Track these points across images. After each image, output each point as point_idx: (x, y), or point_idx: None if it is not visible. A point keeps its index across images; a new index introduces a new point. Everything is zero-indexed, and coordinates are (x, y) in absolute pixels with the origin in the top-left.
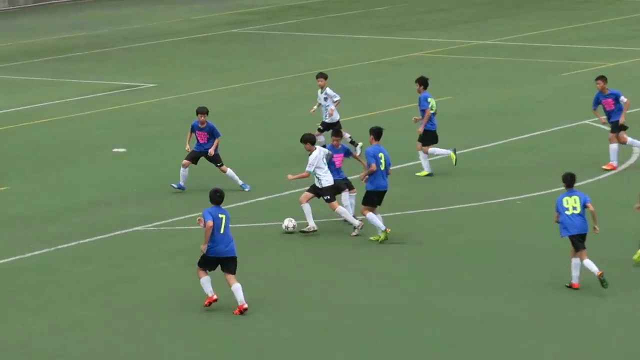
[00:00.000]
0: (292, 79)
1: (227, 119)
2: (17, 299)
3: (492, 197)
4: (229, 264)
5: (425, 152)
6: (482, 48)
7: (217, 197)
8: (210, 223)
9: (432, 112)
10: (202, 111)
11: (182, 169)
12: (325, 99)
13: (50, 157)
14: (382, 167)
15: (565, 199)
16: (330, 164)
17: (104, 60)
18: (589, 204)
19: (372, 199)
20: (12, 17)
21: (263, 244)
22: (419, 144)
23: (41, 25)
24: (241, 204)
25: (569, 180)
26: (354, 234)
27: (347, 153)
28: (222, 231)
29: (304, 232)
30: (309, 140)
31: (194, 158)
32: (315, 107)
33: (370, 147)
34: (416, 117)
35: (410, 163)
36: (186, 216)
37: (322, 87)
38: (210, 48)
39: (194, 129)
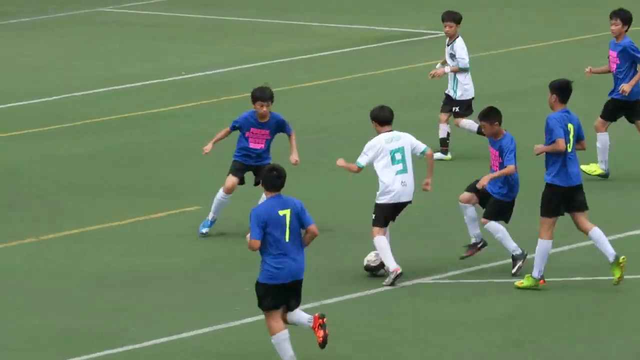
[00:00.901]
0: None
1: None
2: None
3: None
4: (293, 295)
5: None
6: None
7: (274, 180)
8: (255, 244)
9: None
10: (266, 96)
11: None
12: (452, 56)
13: (274, 158)
14: (569, 148)
15: (570, 126)
16: None
17: None
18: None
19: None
20: None
21: None
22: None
23: None
24: None
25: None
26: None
27: None
28: (287, 238)
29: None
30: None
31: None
32: (440, 66)
33: (554, 114)
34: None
35: None
36: (503, 261)
37: (451, 37)
38: None
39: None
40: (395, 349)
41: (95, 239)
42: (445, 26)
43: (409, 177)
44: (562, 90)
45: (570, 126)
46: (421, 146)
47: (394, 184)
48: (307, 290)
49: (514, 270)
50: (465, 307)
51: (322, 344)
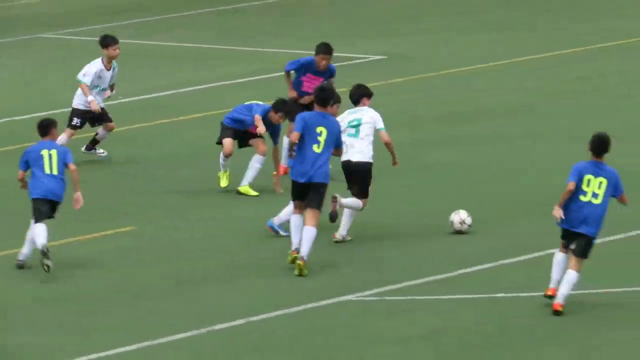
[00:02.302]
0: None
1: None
2: None
3: None
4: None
5: None
6: None
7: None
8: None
9: None
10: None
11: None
12: None
13: (209, 179)
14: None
15: (588, 177)
16: None
17: (301, 15)
18: (622, 196)
19: None
20: None
21: None
22: None
23: None
24: None
25: (598, 145)
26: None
27: None
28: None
29: None
30: None
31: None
32: None
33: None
34: None
35: None
36: (428, 278)
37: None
38: None
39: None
40: None
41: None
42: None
43: None
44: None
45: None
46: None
47: None
48: (234, 307)
49: None
50: (395, 324)
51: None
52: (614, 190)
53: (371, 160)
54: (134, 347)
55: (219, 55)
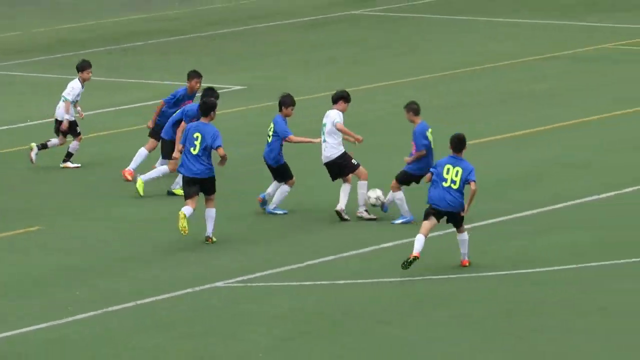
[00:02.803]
0: (439, 78)
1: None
2: None
3: None
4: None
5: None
6: None
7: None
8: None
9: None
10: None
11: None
12: None
13: (103, 186)
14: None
15: (447, 166)
16: None
17: (175, 53)
18: (472, 183)
19: None
20: None
21: None
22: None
23: (88, 3)
24: None
25: (457, 143)
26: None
27: None
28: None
29: None
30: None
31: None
32: None
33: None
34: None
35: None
36: (285, 267)
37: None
38: (324, 37)
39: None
40: (204, 341)
41: None
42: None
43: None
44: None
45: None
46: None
47: None
48: (123, 293)
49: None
50: (258, 306)
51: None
52: (467, 177)
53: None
54: (43, 325)
55: (109, 86)
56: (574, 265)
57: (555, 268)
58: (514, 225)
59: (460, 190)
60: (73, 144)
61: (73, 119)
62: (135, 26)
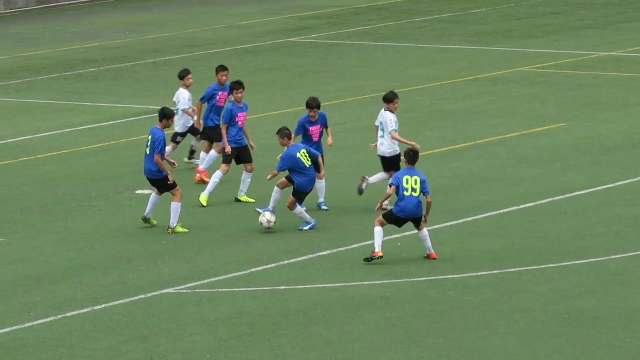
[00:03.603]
0: (366, 100)
1: (277, 152)
2: None
3: (624, 251)
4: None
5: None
6: (607, 61)
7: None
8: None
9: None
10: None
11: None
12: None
13: (59, 201)
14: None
15: (406, 177)
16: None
17: (126, 79)
18: (428, 197)
19: None
20: (10, 23)
21: None
22: None
23: (46, 33)
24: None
25: (412, 157)
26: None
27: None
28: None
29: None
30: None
31: None
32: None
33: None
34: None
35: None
36: (230, 275)
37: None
38: (261, 62)
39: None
40: (154, 342)
41: None
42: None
43: None
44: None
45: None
46: None
47: None
48: (83, 299)
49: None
50: (202, 310)
51: None
52: (424, 188)
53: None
54: (5, 330)
55: (65, 109)
56: (496, 271)
57: (479, 273)
58: (440, 234)
59: (419, 197)
60: (196, 142)
61: (193, 122)
62: (89, 54)
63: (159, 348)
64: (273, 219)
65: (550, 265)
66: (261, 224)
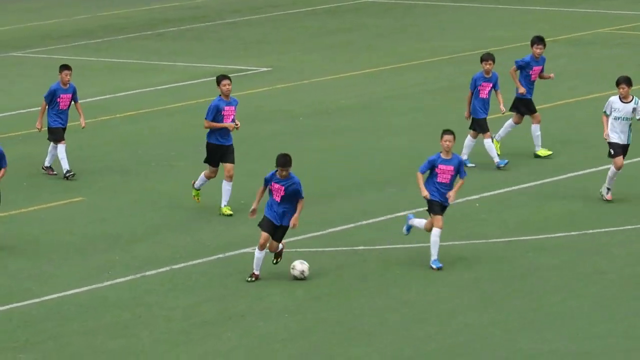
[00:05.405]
0: (444, 62)
1: (357, 113)
2: (93, 344)
3: None
4: None
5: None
6: None
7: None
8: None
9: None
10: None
11: None
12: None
13: (139, 160)
14: None
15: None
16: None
17: (204, 38)
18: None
19: None
20: None
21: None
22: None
23: None
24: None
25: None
26: None
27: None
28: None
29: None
30: None
31: None
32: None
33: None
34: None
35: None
36: (308, 235)
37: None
38: (339, 22)
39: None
40: (232, 301)
41: None
42: None
43: None
44: None
45: None
46: None
47: None
48: (159, 256)
49: None
50: (279, 270)
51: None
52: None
53: None
54: (84, 288)
55: (144, 68)
56: (574, 232)
57: (557, 234)
58: (519, 195)
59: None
60: None
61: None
62: (167, 14)
63: (237, 307)
64: (305, 267)
65: (629, 227)
66: (295, 277)
